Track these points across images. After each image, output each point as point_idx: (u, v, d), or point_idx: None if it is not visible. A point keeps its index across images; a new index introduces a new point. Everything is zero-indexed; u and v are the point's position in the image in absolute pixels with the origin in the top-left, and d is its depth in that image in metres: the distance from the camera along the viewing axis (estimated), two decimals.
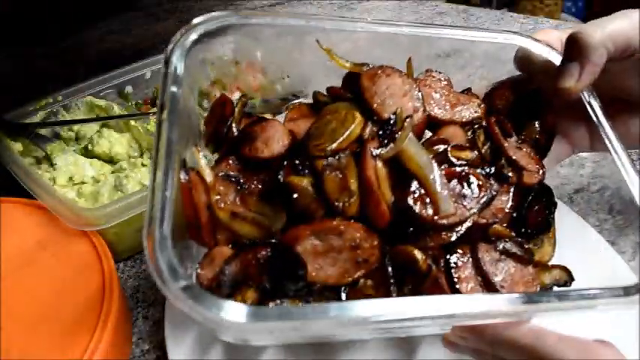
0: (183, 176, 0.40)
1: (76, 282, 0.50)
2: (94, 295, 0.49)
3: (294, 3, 1.24)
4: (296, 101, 0.69)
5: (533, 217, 0.47)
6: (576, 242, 0.49)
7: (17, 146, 0.66)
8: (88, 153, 0.69)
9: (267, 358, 0.49)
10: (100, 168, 0.67)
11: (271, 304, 0.38)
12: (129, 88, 0.79)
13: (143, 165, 0.68)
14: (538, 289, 0.44)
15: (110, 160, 0.69)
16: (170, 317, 0.51)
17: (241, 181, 0.45)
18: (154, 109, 0.79)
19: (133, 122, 0.71)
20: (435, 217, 0.41)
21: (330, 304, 0.33)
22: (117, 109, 0.73)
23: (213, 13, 0.45)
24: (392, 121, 0.44)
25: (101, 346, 0.45)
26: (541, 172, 0.48)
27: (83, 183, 0.64)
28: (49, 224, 0.55)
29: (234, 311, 0.31)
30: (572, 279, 0.46)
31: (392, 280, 0.40)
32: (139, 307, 0.58)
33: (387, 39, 0.51)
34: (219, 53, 0.50)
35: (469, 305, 0.35)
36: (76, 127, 0.72)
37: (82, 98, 0.74)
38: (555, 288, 0.46)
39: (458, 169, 0.44)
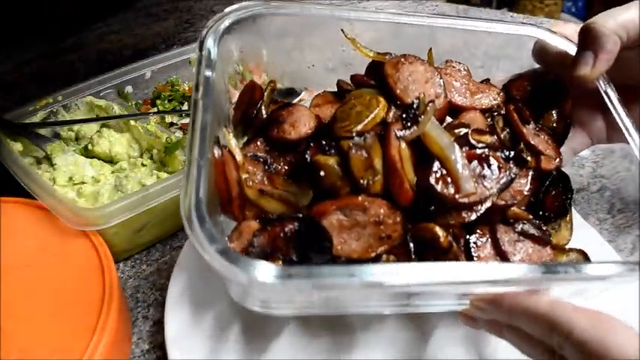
0: (216, 152, 0.42)
1: (76, 282, 0.50)
2: (94, 295, 0.49)
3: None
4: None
5: (550, 201, 0.48)
6: (576, 242, 0.50)
7: (17, 146, 0.66)
8: (88, 153, 0.69)
9: (270, 358, 0.49)
10: (100, 168, 0.67)
11: None
12: (129, 88, 0.79)
13: (143, 165, 0.68)
14: None
15: (110, 160, 0.69)
16: (170, 317, 0.51)
17: (269, 161, 0.47)
18: (154, 109, 0.79)
19: (133, 122, 0.71)
20: (456, 196, 0.43)
21: (354, 266, 0.34)
22: (117, 109, 0.73)
23: (243, 3, 0.48)
24: (415, 105, 0.46)
25: (101, 346, 0.45)
26: (558, 158, 0.50)
27: (83, 183, 0.64)
28: (49, 224, 0.55)
29: (265, 271, 0.33)
30: (589, 262, 0.47)
31: (413, 256, 0.41)
32: (139, 307, 0.58)
33: (406, 30, 0.52)
34: (249, 40, 0.52)
35: (491, 272, 0.36)
36: (76, 127, 0.72)
37: (82, 98, 0.74)
38: None
39: (478, 150, 0.46)
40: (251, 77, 0.63)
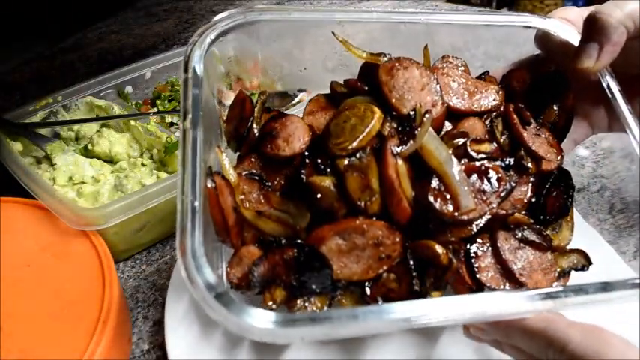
0: (210, 184, 0.42)
1: (76, 282, 0.50)
2: (94, 295, 0.49)
3: (294, 2, 1.25)
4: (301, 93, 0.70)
5: (551, 202, 0.48)
6: (576, 242, 0.49)
7: (17, 146, 0.66)
8: (88, 153, 0.69)
9: (280, 358, 0.49)
10: (100, 168, 0.67)
11: (299, 302, 0.39)
12: (129, 88, 0.79)
13: (143, 165, 0.68)
14: (556, 274, 0.45)
15: (110, 160, 0.69)
16: (170, 317, 0.51)
17: (264, 178, 0.46)
18: (154, 109, 0.79)
19: (133, 122, 0.71)
20: (456, 214, 0.42)
21: (356, 310, 0.34)
22: (117, 109, 0.73)
23: (230, 11, 0.46)
24: (411, 117, 0.44)
25: (101, 346, 0.45)
26: (559, 157, 0.49)
27: (83, 183, 0.64)
28: (49, 224, 0.55)
29: (262, 318, 0.33)
30: (589, 262, 0.47)
31: (414, 274, 0.41)
32: (139, 307, 0.58)
33: (402, 28, 0.51)
34: (235, 50, 0.51)
35: (489, 306, 0.36)
36: (76, 127, 0.72)
37: (82, 98, 0.74)
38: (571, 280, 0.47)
39: (477, 163, 0.45)
40: (248, 77, 0.63)
